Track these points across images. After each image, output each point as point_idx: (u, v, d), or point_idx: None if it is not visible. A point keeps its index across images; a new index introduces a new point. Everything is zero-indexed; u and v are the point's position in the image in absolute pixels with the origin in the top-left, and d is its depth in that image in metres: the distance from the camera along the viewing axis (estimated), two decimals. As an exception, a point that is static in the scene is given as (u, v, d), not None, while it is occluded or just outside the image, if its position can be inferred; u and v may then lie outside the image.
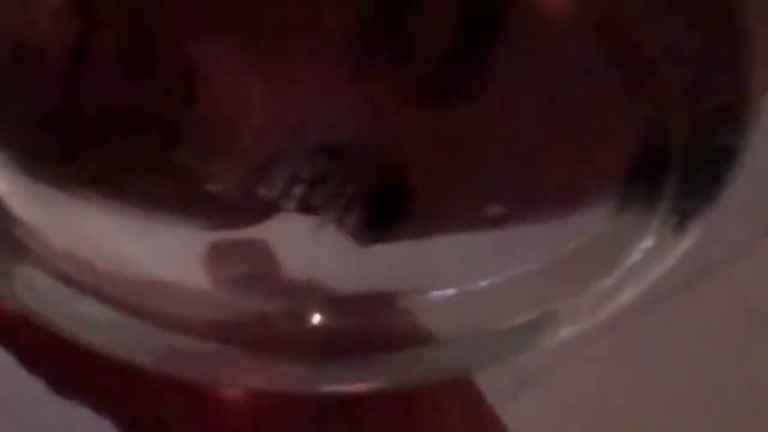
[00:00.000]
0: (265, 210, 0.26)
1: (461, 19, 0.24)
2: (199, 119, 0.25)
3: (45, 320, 0.28)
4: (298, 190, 0.26)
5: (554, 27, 0.24)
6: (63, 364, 0.30)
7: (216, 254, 0.27)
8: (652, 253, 0.26)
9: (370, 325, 0.28)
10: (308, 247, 0.27)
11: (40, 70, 0.25)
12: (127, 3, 0.24)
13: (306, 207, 0.26)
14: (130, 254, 0.27)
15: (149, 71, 0.25)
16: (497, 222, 0.26)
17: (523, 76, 0.24)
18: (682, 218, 0.26)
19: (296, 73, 0.24)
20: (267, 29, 0.24)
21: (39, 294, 0.28)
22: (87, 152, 0.26)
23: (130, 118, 0.25)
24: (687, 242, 0.26)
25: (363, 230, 0.26)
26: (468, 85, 0.24)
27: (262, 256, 0.27)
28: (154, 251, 0.27)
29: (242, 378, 0.29)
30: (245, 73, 0.24)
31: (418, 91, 0.24)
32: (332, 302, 0.28)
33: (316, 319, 0.28)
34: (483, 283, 0.27)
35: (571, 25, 0.24)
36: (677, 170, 0.25)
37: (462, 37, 0.24)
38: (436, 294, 0.28)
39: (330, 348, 0.28)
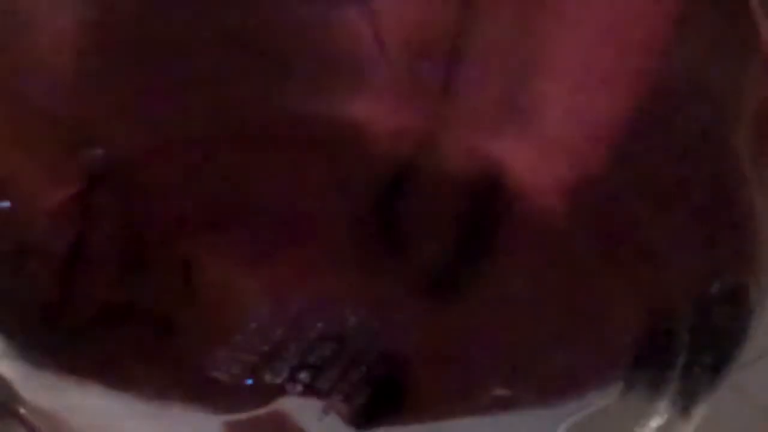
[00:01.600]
0: (272, 393, 0.26)
1: (455, 226, 0.24)
2: (197, 314, 0.25)
3: None
4: (303, 376, 0.26)
5: (551, 228, 0.24)
6: None
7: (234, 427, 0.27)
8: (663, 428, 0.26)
9: None
10: (321, 422, 0.27)
11: (39, 267, 0.25)
12: (122, 206, 0.24)
13: (312, 391, 0.26)
14: None
15: (145, 268, 0.25)
16: (500, 406, 0.26)
17: (524, 272, 0.24)
18: (690, 398, 0.26)
19: (294, 265, 0.25)
20: (261, 224, 0.24)
21: None
22: (84, 343, 0.26)
23: (126, 312, 0.25)
24: (695, 421, 0.26)
25: (361, 417, 0.26)
26: (468, 280, 0.24)
27: (281, 422, 0.27)
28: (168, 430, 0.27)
29: None
30: (242, 268, 0.25)
31: (418, 284, 0.25)
32: None
33: None
34: None
35: (567, 226, 0.24)
36: (683, 353, 0.25)
37: (456, 243, 0.24)
38: None
39: None
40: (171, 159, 0.24)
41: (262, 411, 0.27)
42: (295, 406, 0.27)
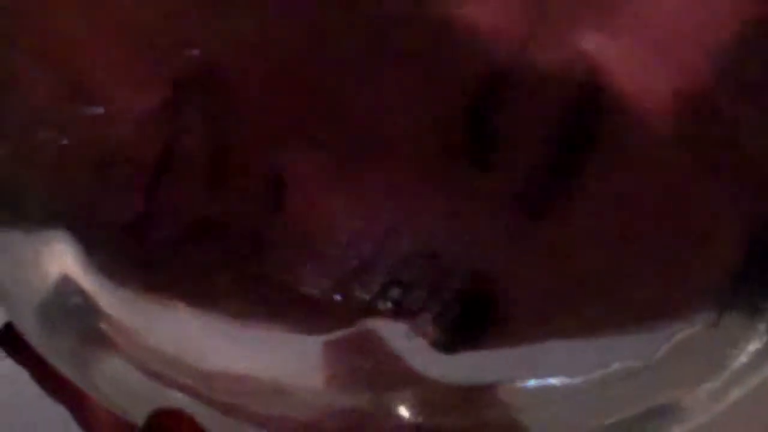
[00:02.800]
0: (360, 311, 0.26)
1: (553, 132, 0.23)
2: (286, 228, 0.25)
3: (128, 412, 0.28)
4: (393, 292, 0.25)
5: (652, 139, 0.23)
6: None
7: (333, 350, 0.27)
8: (759, 355, 0.25)
9: (467, 420, 0.27)
10: (411, 345, 0.26)
11: (124, 179, 0.24)
12: (213, 114, 0.24)
13: (400, 310, 0.25)
14: (221, 352, 0.27)
15: (234, 181, 0.24)
16: (592, 329, 0.26)
17: (619, 188, 0.24)
18: None
19: (383, 181, 0.24)
20: (353, 139, 0.24)
21: (124, 386, 0.28)
22: (170, 258, 0.25)
23: (212, 226, 0.25)
24: None
25: (448, 337, 0.26)
26: (559, 197, 0.24)
27: (382, 350, 0.27)
28: (248, 350, 0.27)
29: None
30: (332, 184, 0.24)
31: (509, 199, 0.24)
32: (427, 397, 0.27)
33: (412, 415, 0.27)
34: (584, 377, 0.27)
35: (670, 137, 0.23)
36: None
37: (553, 151, 0.23)
38: (536, 385, 0.27)
39: None
40: (267, 67, 0.23)
41: (348, 331, 0.26)
42: (384, 329, 0.26)
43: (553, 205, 0.24)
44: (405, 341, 0.26)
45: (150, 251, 0.25)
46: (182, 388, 0.28)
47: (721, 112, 0.23)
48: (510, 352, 0.26)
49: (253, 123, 0.24)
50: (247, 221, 0.25)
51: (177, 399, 0.28)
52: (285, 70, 0.23)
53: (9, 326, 0.30)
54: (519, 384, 0.27)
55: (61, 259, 0.26)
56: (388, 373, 0.27)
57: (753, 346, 0.26)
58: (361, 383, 0.27)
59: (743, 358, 0.25)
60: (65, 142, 0.24)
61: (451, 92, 0.23)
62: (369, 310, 0.26)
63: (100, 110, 0.24)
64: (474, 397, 0.27)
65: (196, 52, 0.23)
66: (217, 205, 0.25)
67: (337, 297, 0.25)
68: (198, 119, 0.24)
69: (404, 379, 0.27)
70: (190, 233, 0.25)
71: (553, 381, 0.27)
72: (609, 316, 0.26)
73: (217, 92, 0.23)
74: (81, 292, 0.27)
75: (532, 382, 0.27)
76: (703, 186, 0.24)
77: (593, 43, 0.22)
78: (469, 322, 0.26)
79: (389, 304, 0.25)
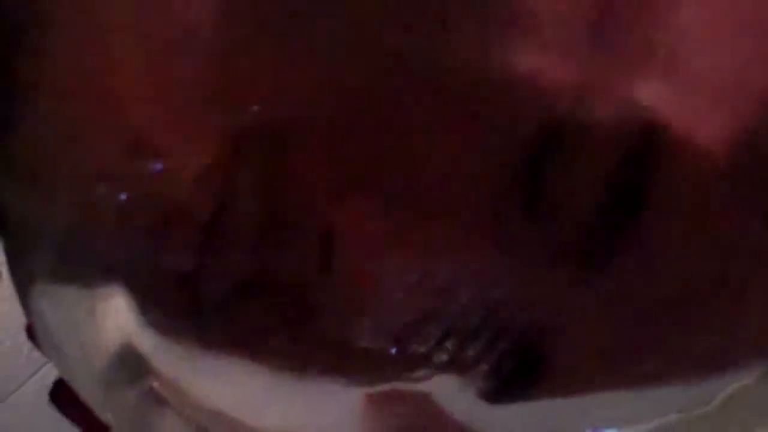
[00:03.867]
0: (415, 363, 0.26)
1: (608, 184, 0.23)
2: (336, 287, 0.25)
3: None
4: (450, 344, 0.25)
5: (706, 190, 0.23)
6: None
7: (377, 405, 0.27)
8: None
9: None
10: (460, 398, 0.26)
11: (180, 235, 0.25)
12: (266, 169, 0.24)
13: (455, 363, 0.25)
14: (273, 410, 0.27)
15: (284, 239, 0.24)
16: (647, 380, 0.26)
17: (673, 239, 0.24)
18: None
19: (440, 236, 0.24)
20: (409, 193, 0.24)
21: None
22: (222, 314, 0.26)
23: (263, 284, 0.25)
24: None
25: (499, 390, 0.26)
26: (614, 250, 0.24)
27: (427, 408, 0.27)
28: (300, 408, 0.27)
29: None
30: (385, 239, 0.24)
31: (565, 252, 0.24)
32: None
33: None
34: (637, 429, 0.27)
35: (724, 187, 0.23)
36: None
37: (608, 203, 0.23)
38: None
39: None
40: (318, 122, 0.23)
41: (402, 385, 0.26)
42: (434, 386, 0.26)
43: (608, 258, 0.24)
44: (450, 395, 0.26)
45: (202, 308, 0.26)
46: None
47: None
48: (560, 405, 0.27)
49: (307, 179, 0.24)
50: (298, 279, 0.25)
51: None
52: (344, 123, 0.23)
53: (60, 383, 0.30)
54: None
55: (118, 319, 0.26)
56: (431, 428, 0.27)
57: None
58: None
59: None
60: (124, 197, 0.24)
61: (510, 143, 0.23)
62: (425, 365, 0.26)
63: (159, 166, 0.24)
64: None
65: (256, 107, 0.23)
66: (268, 263, 0.25)
67: (393, 350, 0.26)
68: (253, 175, 0.24)
69: None
70: (240, 291, 0.25)
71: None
72: (663, 368, 0.26)
73: (270, 149, 0.24)
74: (137, 352, 0.27)
75: None
76: (755, 234, 0.24)
77: (650, 95, 0.22)
78: (521, 374, 0.26)
79: (445, 357, 0.26)
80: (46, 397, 0.32)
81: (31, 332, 0.31)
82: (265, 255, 0.25)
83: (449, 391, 0.26)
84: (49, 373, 0.30)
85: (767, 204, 0.24)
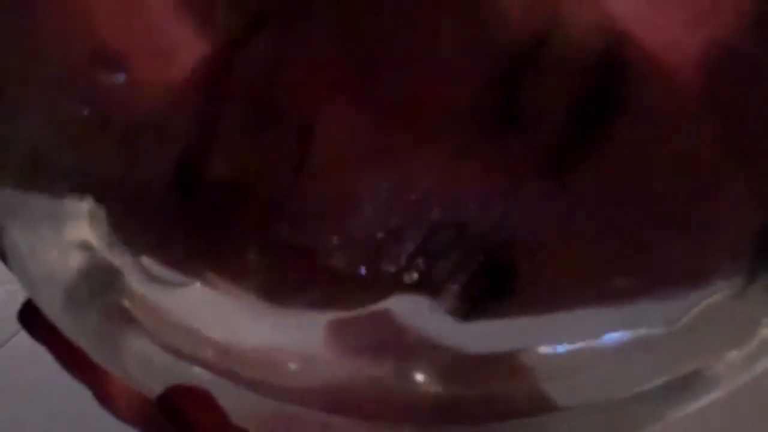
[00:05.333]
0: (385, 287, 0.25)
1: (580, 95, 0.23)
2: (312, 194, 0.24)
3: (149, 388, 0.28)
4: (420, 264, 0.25)
5: (678, 98, 0.23)
6: None
7: (341, 326, 0.26)
8: None
9: (488, 392, 0.27)
10: (421, 312, 0.26)
11: (155, 146, 0.24)
12: (259, 73, 0.23)
13: (425, 282, 0.25)
14: (242, 326, 0.27)
15: (266, 134, 0.24)
16: (616, 298, 0.25)
17: (643, 150, 0.24)
18: None
19: (416, 149, 0.24)
20: (390, 101, 0.24)
21: (148, 364, 0.28)
22: (200, 229, 0.25)
23: (242, 189, 0.25)
24: None
25: (470, 307, 0.26)
26: (585, 161, 0.24)
27: (388, 326, 0.27)
28: (266, 326, 0.27)
29: None
30: (362, 145, 0.24)
31: (537, 164, 0.24)
32: (444, 366, 0.27)
33: (429, 383, 0.27)
34: (605, 341, 0.26)
35: (695, 107, 0.23)
36: None
37: (578, 113, 0.23)
38: (558, 352, 0.27)
39: (444, 414, 0.27)
40: (316, 18, 0.23)
41: (368, 309, 0.26)
42: (399, 306, 0.26)
43: (579, 169, 0.24)
44: (421, 314, 0.26)
45: (181, 220, 0.25)
46: (204, 363, 0.28)
47: (747, 67, 0.23)
48: (530, 319, 0.26)
49: (297, 76, 0.23)
50: (276, 184, 0.24)
51: (198, 375, 0.28)
52: (334, 15, 0.23)
53: (28, 305, 0.30)
54: (540, 351, 0.27)
55: (85, 235, 0.26)
56: (402, 344, 0.27)
57: None
58: (377, 354, 0.27)
59: None
60: (87, 112, 0.24)
61: (486, 54, 0.23)
62: (394, 286, 0.25)
63: (122, 77, 0.23)
64: (493, 365, 0.27)
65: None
66: (251, 168, 0.24)
67: (362, 270, 0.25)
68: (242, 81, 0.23)
69: (419, 349, 0.27)
70: (224, 199, 0.25)
71: (577, 347, 0.27)
72: (632, 282, 0.25)
73: (276, 39, 0.23)
74: (105, 269, 0.27)
75: (553, 349, 0.27)
76: (727, 150, 0.24)
77: (624, 9, 0.22)
78: (492, 291, 0.25)
79: (415, 276, 0.25)
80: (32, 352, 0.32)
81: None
82: (249, 160, 0.24)
83: (410, 309, 0.26)
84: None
85: (740, 118, 0.23)
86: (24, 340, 0.31)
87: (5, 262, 0.30)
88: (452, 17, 0.23)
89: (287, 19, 0.23)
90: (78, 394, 0.32)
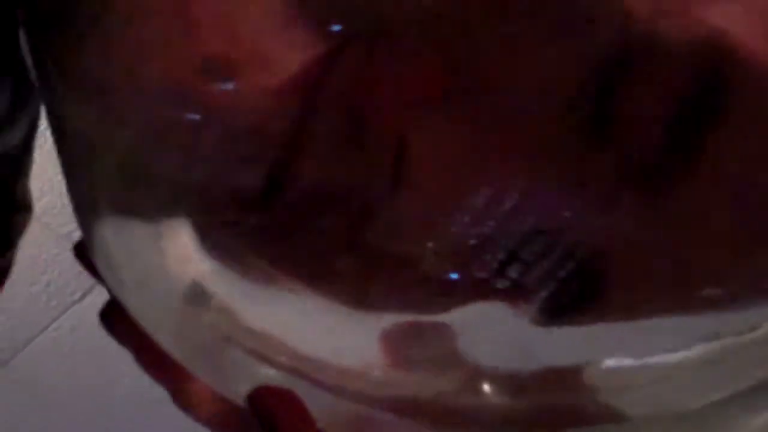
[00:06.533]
0: (473, 294, 0.26)
1: (676, 105, 0.23)
2: (406, 202, 0.25)
3: (238, 392, 0.28)
4: (512, 270, 0.25)
5: None
6: None
7: (396, 336, 0.27)
8: None
9: (551, 402, 0.28)
10: (487, 327, 0.26)
11: (251, 151, 0.25)
12: (355, 85, 0.24)
13: (517, 289, 0.26)
14: (313, 335, 0.27)
15: (360, 150, 0.24)
16: (703, 307, 0.26)
17: (741, 165, 0.24)
18: None
19: (510, 159, 0.24)
20: (485, 109, 0.24)
21: (238, 369, 0.28)
22: (292, 235, 0.26)
23: (336, 199, 0.25)
24: None
25: (553, 313, 0.26)
26: (680, 174, 0.24)
27: (444, 339, 0.27)
28: (339, 334, 0.27)
29: None
30: (456, 158, 0.24)
31: (631, 176, 0.24)
32: (511, 380, 0.28)
33: (496, 395, 0.28)
34: (668, 356, 0.27)
35: None
36: None
37: (676, 124, 0.23)
38: (620, 365, 0.27)
39: (509, 423, 0.28)
40: (412, 30, 0.23)
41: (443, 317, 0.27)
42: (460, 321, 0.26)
43: (675, 180, 0.24)
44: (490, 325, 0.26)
45: (274, 226, 0.25)
46: (283, 367, 0.28)
47: None
48: (598, 332, 0.27)
49: (387, 88, 0.24)
50: (370, 193, 0.25)
51: (279, 377, 0.28)
52: (433, 29, 0.23)
53: (111, 305, 0.30)
54: (608, 364, 0.27)
55: (183, 249, 0.26)
56: (464, 360, 0.27)
57: None
58: (440, 368, 0.28)
59: None
60: (194, 118, 0.24)
61: (583, 58, 0.23)
62: (486, 291, 0.26)
63: (230, 85, 0.24)
64: (559, 379, 0.27)
65: (341, 23, 0.23)
66: (344, 177, 0.25)
67: (454, 276, 0.26)
68: (333, 93, 0.24)
69: (483, 365, 0.27)
70: (315, 207, 0.25)
71: (649, 360, 0.27)
72: (720, 294, 0.26)
73: (365, 55, 0.23)
74: (197, 282, 0.27)
75: (622, 363, 0.27)
76: None
77: (723, 17, 0.22)
78: (581, 298, 0.26)
79: (507, 283, 0.26)
80: (64, 345, 0.32)
81: (80, 252, 0.31)
82: (342, 169, 0.25)
83: (477, 324, 0.27)
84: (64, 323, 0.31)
85: None
86: (44, 343, 0.32)
87: (85, 260, 0.30)
88: (548, 27, 0.23)
89: (380, 33, 0.23)
90: (97, 395, 0.32)
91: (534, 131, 0.24)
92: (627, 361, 0.27)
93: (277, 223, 0.25)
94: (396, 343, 0.28)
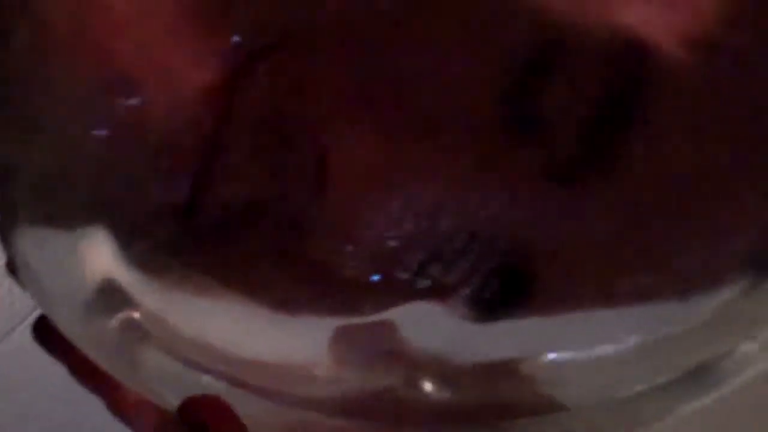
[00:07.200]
0: (398, 293, 0.26)
1: (596, 102, 0.23)
2: (328, 210, 0.25)
3: (169, 401, 0.28)
4: (434, 269, 0.25)
5: (692, 116, 0.23)
6: None
7: (342, 336, 0.27)
8: None
9: (492, 394, 0.28)
10: (427, 322, 0.26)
11: (171, 163, 0.25)
12: (269, 96, 0.24)
13: (439, 287, 0.26)
14: (253, 339, 0.27)
15: (281, 162, 0.24)
16: (631, 298, 0.26)
17: (659, 160, 0.24)
18: None
19: (430, 159, 0.24)
20: (401, 113, 0.24)
21: (164, 376, 0.28)
22: (215, 245, 0.26)
23: (258, 210, 0.25)
24: None
25: (481, 309, 0.26)
26: (601, 166, 0.24)
27: (388, 335, 0.27)
28: (276, 338, 0.27)
29: None
30: (379, 161, 0.24)
31: (552, 171, 0.24)
32: (451, 374, 0.28)
33: (437, 390, 0.28)
34: (607, 347, 0.27)
35: (708, 112, 0.23)
36: None
37: (595, 122, 0.23)
38: (557, 358, 0.27)
39: (452, 416, 0.28)
40: (325, 40, 0.23)
41: (383, 314, 0.27)
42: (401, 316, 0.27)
43: (595, 176, 0.24)
44: (429, 323, 0.26)
45: (196, 238, 0.25)
46: (217, 374, 0.28)
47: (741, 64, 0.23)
48: (535, 326, 0.27)
49: (306, 98, 0.24)
50: (292, 202, 0.25)
51: (212, 384, 0.28)
52: (343, 36, 0.23)
53: (42, 319, 0.30)
54: (546, 358, 0.27)
55: (99, 255, 0.26)
56: (407, 355, 0.27)
57: None
58: (383, 365, 0.28)
59: None
60: (104, 133, 0.24)
61: (503, 59, 0.23)
62: (408, 293, 0.26)
63: (137, 100, 0.24)
64: (499, 373, 0.27)
65: (247, 35, 0.23)
66: (264, 187, 0.24)
67: (376, 278, 0.26)
68: (250, 102, 0.24)
69: (424, 360, 0.27)
70: (236, 218, 0.25)
71: (588, 353, 0.27)
72: (650, 284, 0.26)
73: (270, 73, 0.23)
74: (117, 287, 0.27)
75: (559, 355, 0.27)
76: (739, 154, 0.24)
77: (635, 15, 0.23)
78: (507, 294, 0.26)
79: (428, 283, 0.26)
80: (29, 349, 0.32)
81: (11, 268, 0.30)
82: (261, 179, 0.25)
83: (418, 318, 0.27)
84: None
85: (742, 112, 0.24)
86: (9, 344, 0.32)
87: (16, 276, 0.30)
88: (462, 28, 0.23)
89: (294, 45, 0.23)
90: (62, 399, 0.32)
91: (452, 132, 0.24)
92: (564, 354, 0.28)
93: (200, 235, 0.25)
94: (339, 339, 0.28)
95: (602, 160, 0.24)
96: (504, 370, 0.28)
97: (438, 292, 0.26)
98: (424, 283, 0.26)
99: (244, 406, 0.28)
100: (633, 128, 0.23)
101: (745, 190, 0.25)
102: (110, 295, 0.27)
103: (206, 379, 0.28)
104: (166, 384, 0.28)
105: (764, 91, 0.24)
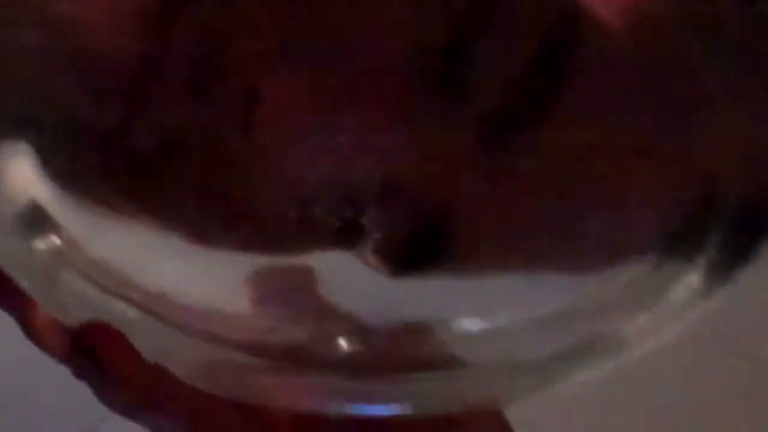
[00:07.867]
0: (312, 238, 0.26)
1: (526, 63, 0.24)
2: (252, 146, 0.25)
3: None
4: (348, 211, 0.26)
5: (615, 84, 0.24)
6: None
7: (260, 276, 0.27)
8: (696, 292, 0.26)
9: (398, 350, 0.28)
10: (344, 277, 0.27)
11: (103, 82, 0.25)
12: (206, 27, 0.24)
13: (349, 234, 0.26)
14: (168, 272, 0.28)
15: (212, 94, 0.25)
16: (539, 266, 0.27)
17: (579, 126, 0.25)
18: (723, 270, 0.26)
19: (355, 102, 0.25)
20: (330, 58, 0.24)
21: (81, 302, 0.28)
22: (133, 169, 0.26)
23: (185, 140, 0.25)
24: (727, 289, 0.26)
25: (396, 264, 0.27)
26: (525, 128, 0.24)
27: (303, 277, 0.27)
28: (193, 272, 0.27)
29: (272, 392, 0.29)
30: (303, 105, 0.25)
31: (473, 132, 0.25)
32: (361, 330, 0.28)
33: (346, 344, 0.28)
34: (515, 315, 0.27)
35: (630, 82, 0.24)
36: (722, 231, 0.26)
37: (522, 83, 0.24)
38: (466, 323, 0.28)
39: (358, 367, 0.28)
40: None
41: (298, 257, 0.27)
42: (321, 264, 0.27)
43: (519, 137, 0.25)
44: (345, 274, 0.27)
45: (120, 161, 0.26)
46: (132, 303, 0.28)
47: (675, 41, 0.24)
48: (450, 288, 0.27)
49: (242, 39, 0.24)
50: (219, 135, 0.25)
51: (126, 312, 0.28)
52: None
53: None
54: (456, 322, 0.28)
55: (24, 173, 0.26)
56: (321, 306, 0.28)
57: (691, 284, 0.26)
58: (296, 314, 0.28)
59: (681, 294, 0.26)
60: (35, 38, 0.24)
61: (438, 13, 0.24)
62: (324, 233, 0.26)
63: (67, 5, 0.24)
64: (409, 332, 0.28)
65: None
66: (193, 117, 0.25)
67: (291, 214, 0.26)
68: (188, 30, 0.24)
69: (337, 313, 0.28)
70: (163, 146, 0.25)
71: (494, 320, 0.28)
72: (559, 247, 0.26)
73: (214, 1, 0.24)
74: (42, 208, 0.27)
75: (469, 321, 0.28)
76: (656, 129, 0.25)
77: None
78: (420, 249, 0.26)
79: (339, 223, 0.26)
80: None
81: None
82: (192, 110, 0.25)
83: (333, 270, 0.27)
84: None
85: (664, 78, 0.24)
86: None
87: None
88: None
89: None
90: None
91: (380, 78, 0.24)
92: (476, 320, 0.28)
93: (124, 158, 0.26)
94: (258, 280, 0.28)
95: (527, 121, 0.24)
96: (414, 331, 0.28)
97: (352, 237, 0.26)
98: (337, 222, 0.26)
99: (156, 336, 0.28)
100: (559, 91, 0.24)
101: (648, 170, 0.26)
102: (33, 217, 0.27)
103: (120, 306, 0.28)
104: (81, 309, 0.28)
105: (684, 77, 0.24)
